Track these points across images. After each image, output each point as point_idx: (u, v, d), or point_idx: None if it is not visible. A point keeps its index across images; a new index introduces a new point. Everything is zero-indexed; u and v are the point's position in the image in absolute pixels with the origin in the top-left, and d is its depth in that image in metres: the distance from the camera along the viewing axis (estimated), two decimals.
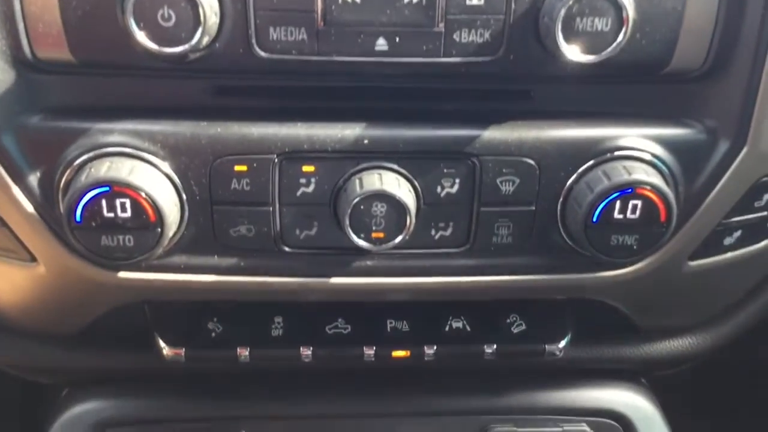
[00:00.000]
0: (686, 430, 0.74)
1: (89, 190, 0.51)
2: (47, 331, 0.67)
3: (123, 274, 0.58)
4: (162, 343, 0.64)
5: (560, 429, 0.70)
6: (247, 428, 0.68)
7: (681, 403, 0.79)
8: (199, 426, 0.68)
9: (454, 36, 0.51)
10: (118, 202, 0.52)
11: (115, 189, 0.51)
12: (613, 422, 0.71)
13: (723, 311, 0.73)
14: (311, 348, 0.64)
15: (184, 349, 0.64)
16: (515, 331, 0.67)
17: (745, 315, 0.74)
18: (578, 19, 0.49)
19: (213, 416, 0.69)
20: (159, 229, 0.52)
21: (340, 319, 0.66)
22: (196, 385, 0.70)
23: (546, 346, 0.67)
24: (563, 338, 0.67)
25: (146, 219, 0.52)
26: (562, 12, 0.49)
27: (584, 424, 0.71)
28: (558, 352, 0.67)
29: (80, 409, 0.69)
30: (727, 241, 0.62)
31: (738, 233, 0.62)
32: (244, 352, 0.64)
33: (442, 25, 0.51)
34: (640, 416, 0.72)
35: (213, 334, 0.64)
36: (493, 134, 0.55)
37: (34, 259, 0.58)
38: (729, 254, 0.62)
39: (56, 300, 0.62)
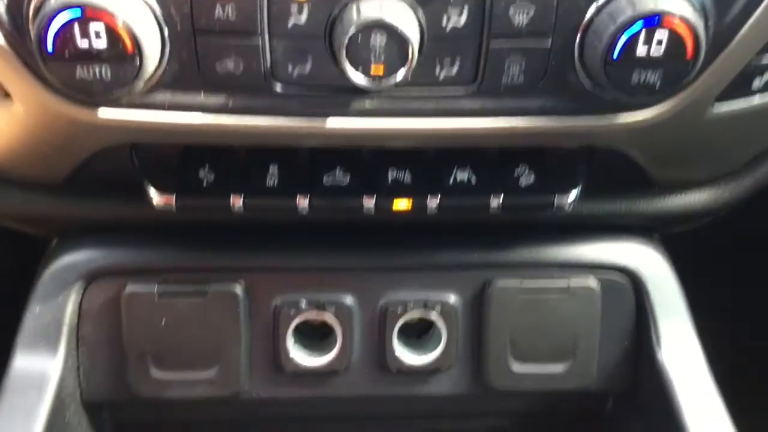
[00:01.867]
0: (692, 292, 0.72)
1: (59, 13, 0.46)
2: (33, 177, 0.64)
3: (104, 113, 0.54)
4: (152, 191, 0.61)
5: (566, 281, 0.68)
6: (245, 279, 0.66)
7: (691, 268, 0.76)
8: (195, 276, 0.66)
9: None
10: (92, 29, 0.47)
11: (88, 14, 0.47)
12: (622, 277, 0.69)
13: (743, 164, 0.69)
14: (308, 198, 0.61)
15: (174, 197, 0.61)
16: (523, 182, 0.63)
17: (766, 169, 0.70)
18: None
19: (209, 267, 0.67)
20: (138, 61, 0.48)
21: (338, 169, 0.62)
22: (191, 236, 0.68)
23: (555, 197, 0.63)
24: (573, 190, 0.64)
25: (123, 49, 0.47)
26: None
27: (591, 277, 0.68)
28: (567, 205, 0.64)
29: (70, 259, 0.67)
30: (756, 83, 0.57)
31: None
32: (237, 201, 0.61)
33: None
34: (650, 272, 0.70)
35: (205, 182, 0.61)
36: None
37: (7, 95, 0.54)
38: (756, 98, 0.58)
39: (38, 143, 0.59)
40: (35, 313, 0.66)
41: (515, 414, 0.74)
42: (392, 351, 0.68)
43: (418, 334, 0.71)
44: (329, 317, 0.67)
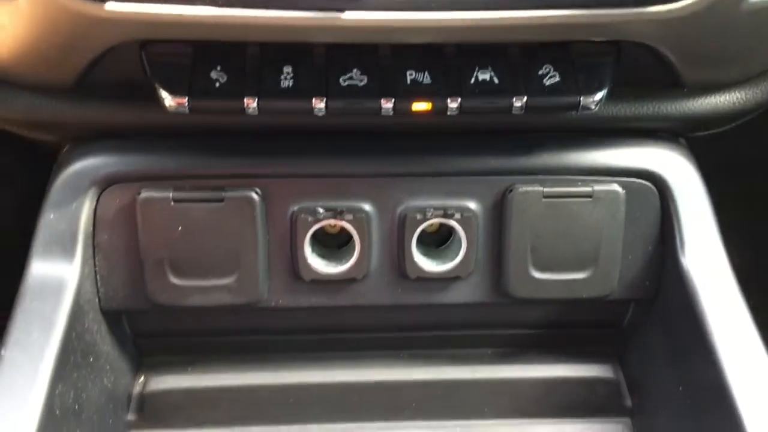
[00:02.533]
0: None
1: None
2: (41, 81, 0.63)
3: (111, 5, 0.51)
4: (164, 93, 0.59)
5: (590, 188, 0.66)
6: (261, 186, 0.65)
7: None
8: (211, 182, 0.65)
9: None
10: None
11: None
12: (647, 182, 0.67)
13: None
14: (324, 99, 0.59)
15: (187, 99, 0.59)
16: (548, 83, 0.61)
17: None
18: None
19: (225, 173, 0.65)
20: None
21: (355, 71, 0.60)
22: (206, 143, 0.66)
23: (581, 98, 0.61)
24: (600, 91, 0.61)
25: None
26: None
27: (615, 184, 0.66)
28: (593, 106, 0.61)
29: (83, 165, 0.65)
30: None
31: None
32: (251, 103, 0.59)
33: None
34: (676, 177, 0.67)
35: (217, 84, 0.59)
36: None
37: None
38: None
39: (43, 42, 0.57)
40: (49, 221, 0.65)
41: (534, 325, 0.74)
42: (411, 258, 0.67)
43: (437, 244, 0.69)
44: (347, 224, 0.65)
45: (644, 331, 0.72)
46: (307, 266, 0.67)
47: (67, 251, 0.64)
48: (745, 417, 0.57)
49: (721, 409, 0.60)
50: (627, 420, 0.72)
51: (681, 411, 0.66)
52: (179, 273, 0.66)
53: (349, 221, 0.65)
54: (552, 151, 0.67)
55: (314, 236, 0.66)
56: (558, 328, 0.73)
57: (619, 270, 0.68)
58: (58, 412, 0.57)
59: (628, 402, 0.72)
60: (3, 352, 0.58)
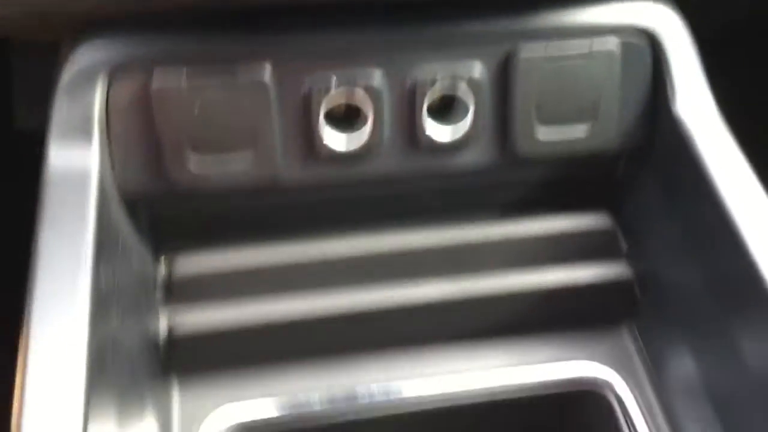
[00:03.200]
0: None
1: None
2: None
3: None
4: None
5: (589, 43, 0.69)
6: (272, 61, 0.65)
7: None
8: (221, 62, 0.65)
9: None
10: None
11: None
12: (641, 37, 0.71)
13: None
14: None
15: None
16: None
17: None
18: None
19: (235, 50, 0.66)
20: None
21: None
22: (212, 23, 0.66)
23: None
24: None
25: None
26: None
27: (611, 40, 0.70)
28: None
29: (90, 52, 0.65)
30: None
31: None
32: None
33: None
34: (667, 31, 0.71)
35: None
36: None
37: None
38: None
39: None
40: (62, 111, 0.65)
41: (536, 185, 0.78)
42: (422, 127, 0.69)
43: (442, 115, 0.72)
44: (359, 95, 0.67)
45: (639, 182, 0.76)
46: (323, 143, 0.68)
47: (85, 140, 0.65)
48: (752, 247, 0.63)
49: (725, 243, 0.65)
50: (623, 261, 0.78)
51: (681, 253, 0.72)
52: (196, 155, 0.67)
53: (361, 89, 0.67)
54: (551, 12, 0.70)
55: (326, 114, 0.68)
56: (558, 186, 0.78)
57: (617, 122, 0.72)
58: (103, 289, 0.59)
59: (624, 246, 0.78)
60: (40, 234, 0.59)
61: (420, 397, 0.74)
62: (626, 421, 0.74)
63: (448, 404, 0.75)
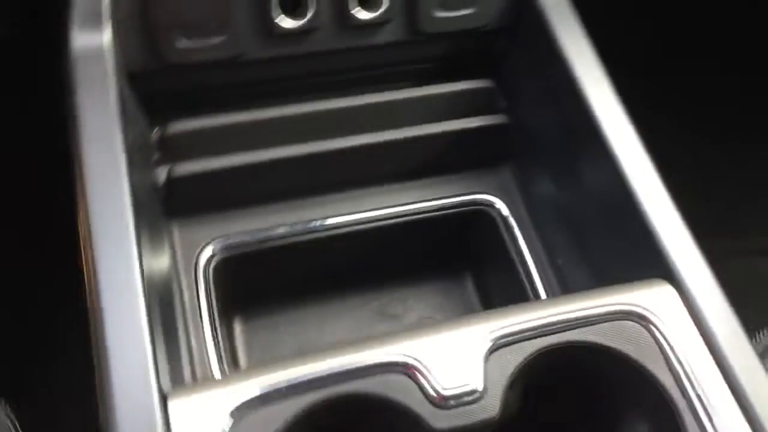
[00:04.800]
0: None
1: None
2: None
3: None
4: None
5: None
6: None
7: None
8: None
9: None
10: None
11: None
12: None
13: None
14: None
15: None
16: None
17: None
18: None
19: None
20: None
21: None
22: None
23: None
24: None
25: None
26: None
27: None
28: None
29: None
30: None
31: None
32: None
33: None
34: None
35: None
36: None
37: None
38: None
39: None
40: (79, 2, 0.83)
41: (438, 57, 1.02)
42: (350, 9, 0.92)
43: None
44: None
45: (513, 53, 1.01)
46: (276, 23, 0.90)
47: (98, 25, 0.83)
48: (591, 101, 0.88)
49: (571, 99, 0.90)
50: (503, 114, 1.02)
51: (542, 107, 0.97)
52: (181, 35, 0.87)
53: None
54: None
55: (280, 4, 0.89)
56: (453, 58, 1.01)
57: (493, 7, 0.96)
58: (129, 144, 0.79)
59: (503, 103, 1.03)
60: (78, 102, 0.79)
61: (354, 220, 0.99)
62: (506, 231, 1.01)
63: (376, 225, 1.00)
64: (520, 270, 0.98)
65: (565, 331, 0.73)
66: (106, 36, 0.83)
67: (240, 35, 0.89)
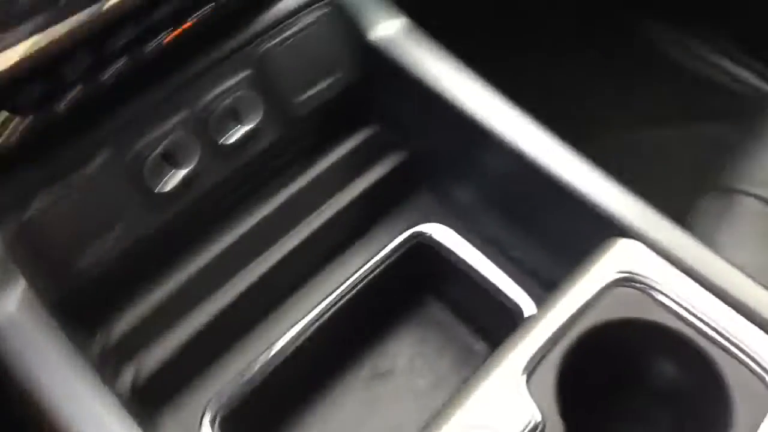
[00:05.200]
0: None
1: None
2: None
3: None
4: None
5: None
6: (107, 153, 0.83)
7: None
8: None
9: None
10: None
11: None
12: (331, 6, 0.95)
13: None
14: None
15: None
16: None
17: None
18: None
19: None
20: None
21: None
22: None
23: None
24: None
25: None
26: None
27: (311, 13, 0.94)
28: None
29: None
30: None
31: None
32: None
33: None
34: None
35: None
36: None
37: None
38: None
39: None
40: None
41: (315, 130, 1.02)
42: (220, 140, 0.90)
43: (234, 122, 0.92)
44: (172, 146, 0.87)
45: (388, 94, 1.02)
46: (158, 191, 0.86)
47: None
48: (473, 114, 0.92)
49: (448, 118, 0.93)
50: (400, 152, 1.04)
51: (429, 133, 1.00)
52: (78, 256, 0.82)
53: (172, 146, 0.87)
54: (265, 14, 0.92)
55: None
56: (331, 125, 1.02)
57: (351, 62, 0.97)
58: None
59: (398, 139, 1.05)
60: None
61: (318, 314, 0.96)
62: (453, 247, 0.99)
63: (338, 306, 1.00)
64: (481, 273, 0.99)
65: (573, 326, 0.77)
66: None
67: (130, 221, 0.86)
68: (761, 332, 0.73)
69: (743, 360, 0.72)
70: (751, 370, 0.72)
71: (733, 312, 0.75)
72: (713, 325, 0.74)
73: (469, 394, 0.74)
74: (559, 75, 1.75)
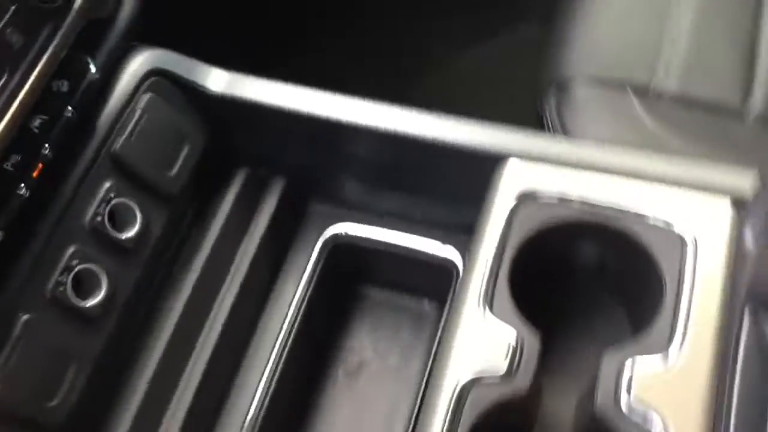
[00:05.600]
0: None
1: None
2: None
3: None
4: None
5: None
6: None
7: None
8: None
9: None
10: None
11: None
12: None
13: None
14: None
15: None
16: None
17: None
18: None
19: None
20: None
21: None
22: None
23: None
24: None
25: None
26: None
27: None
28: None
29: None
30: None
31: None
32: None
33: None
34: None
35: None
36: None
37: None
38: None
39: None
40: None
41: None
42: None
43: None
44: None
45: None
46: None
47: None
48: None
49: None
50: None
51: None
52: None
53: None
54: None
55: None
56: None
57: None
58: None
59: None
60: None
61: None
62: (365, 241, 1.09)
63: (293, 342, 1.03)
64: (401, 245, 1.06)
65: (504, 252, 0.86)
66: None
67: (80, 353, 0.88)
68: (656, 187, 0.84)
69: (649, 218, 0.81)
70: (659, 226, 0.81)
71: (629, 182, 0.85)
72: (616, 201, 0.84)
73: (450, 347, 0.81)
74: (366, 37, 1.81)
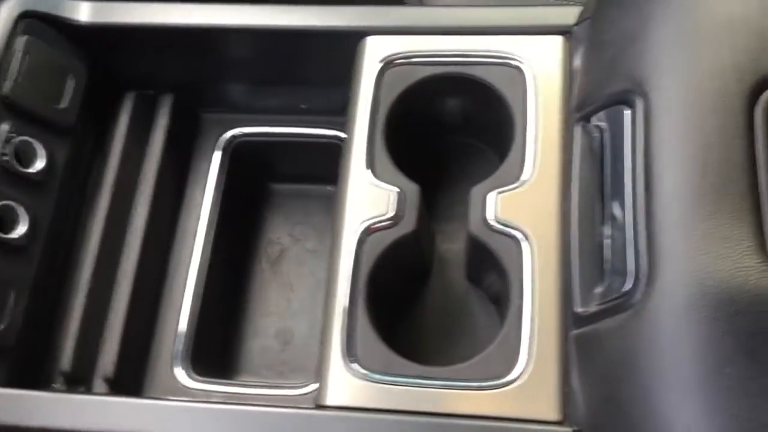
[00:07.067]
0: None
1: None
2: None
3: None
4: None
5: None
6: None
7: None
8: None
9: None
10: None
11: None
12: None
13: None
14: None
15: None
16: None
17: None
18: None
19: None
20: None
21: None
22: None
23: None
24: None
25: None
26: None
27: None
28: None
29: None
30: None
31: None
32: None
33: None
34: None
35: None
36: None
37: None
38: None
39: None
40: None
41: None
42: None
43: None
44: None
45: None
46: None
47: None
48: None
49: None
50: None
51: None
52: None
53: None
54: None
55: None
56: None
57: None
58: None
59: None
60: None
61: None
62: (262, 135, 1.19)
63: (215, 242, 1.11)
64: (292, 132, 1.15)
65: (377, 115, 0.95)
66: None
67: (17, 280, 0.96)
68: (498, 37, 0.93)
69: (493, 63, 0.91)
70: (502, 67, 0.92)
71: (475, 38, 0.94)
72: (466, 54, 0.93)
73: (343, 209, 0.92)
74: None
